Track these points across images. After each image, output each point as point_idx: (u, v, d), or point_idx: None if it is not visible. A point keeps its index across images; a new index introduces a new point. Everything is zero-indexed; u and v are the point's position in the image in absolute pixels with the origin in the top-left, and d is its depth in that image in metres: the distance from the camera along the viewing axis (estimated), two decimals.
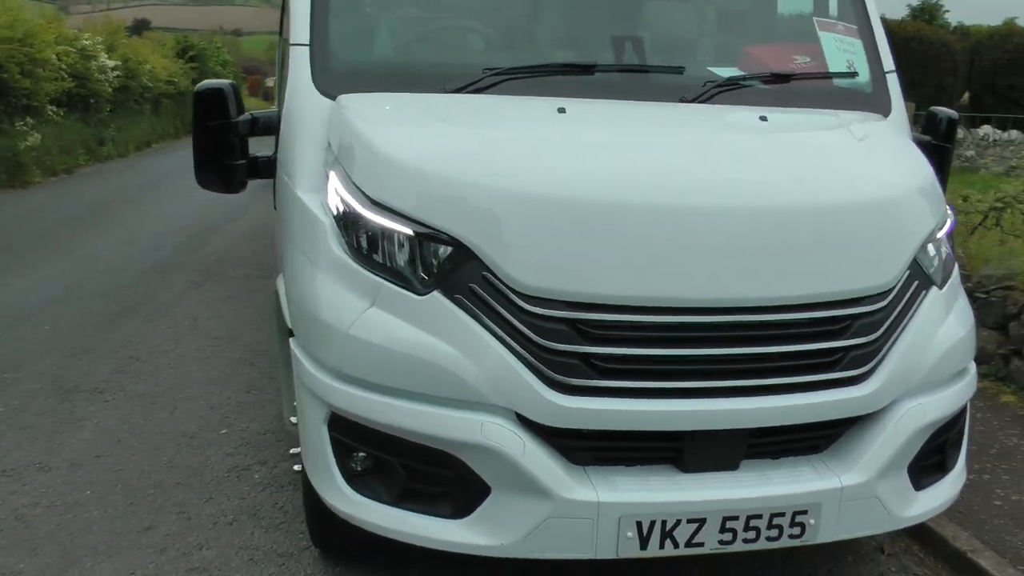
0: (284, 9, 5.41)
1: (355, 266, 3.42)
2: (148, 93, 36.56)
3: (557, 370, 3.18)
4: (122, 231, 14.63)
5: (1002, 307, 6.96)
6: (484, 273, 3.21)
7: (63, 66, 25.32)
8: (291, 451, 4.38)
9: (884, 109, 4.56)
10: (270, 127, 4.18)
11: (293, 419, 4.27)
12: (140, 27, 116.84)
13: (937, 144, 4.61)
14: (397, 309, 3.30)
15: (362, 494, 3.42)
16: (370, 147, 3.55)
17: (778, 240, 3.36)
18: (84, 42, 28.34)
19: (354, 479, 3.44)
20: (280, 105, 4.88)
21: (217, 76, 55.04)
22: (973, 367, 3.93)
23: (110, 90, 30.03)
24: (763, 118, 4.02)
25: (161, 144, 39.28)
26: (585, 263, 3.21)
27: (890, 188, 3.69)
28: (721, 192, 3.38)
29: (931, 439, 3.67)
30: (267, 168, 4.25)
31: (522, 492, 3.21)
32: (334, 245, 3.50)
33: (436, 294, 3.26)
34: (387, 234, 3.37)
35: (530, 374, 3.17)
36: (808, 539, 3.42)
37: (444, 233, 3.27)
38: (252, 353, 7.76)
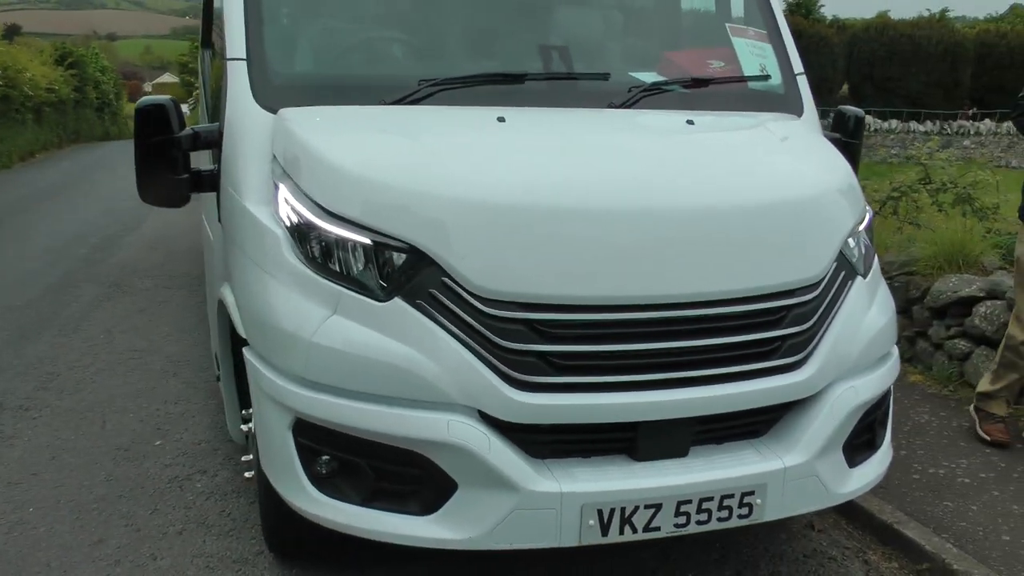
0: (209, 19, 5.44)
1: (313, 275, 3.54)
2: (29, 102, 35.50)
3: (516, 368, 3.35)
4: (20, 244, 14.30)
5: (905, 291, 7.38)
6: (443, 279, 3.37)
7: None
8: (242, 459, 4.48)
9: (797, 109, 4.84)
10: (211, 141, 4.24)
11: (244, 427, 4.37)
12: (11, 33, 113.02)
13: (846, 141, 4.89)
14: (359, 316, 3.42)
15: (329, 496, 3.54)
16: (320, 159, 3.67)
17: (714, 237, 3.60)
18: None
19: (320, 482, 3.56)
20: (210, 117, 4.94)
21: (97, 82, 53.80)
22: (895, 351, 4.23)
23: None
24: (690, 121, 4.26)
25: (45, 154, 38.24)
26: (536, 265, 3.39)
27: (815, 185, 3.97)
28: (659, 194, 3.61)
29: (862, 419, 3.94)
30: (210, 181, 4.30)
31: (488, 486, 3.36)
32: (289, 255, 3.61)
33: (397, 300, 3.40)
34: (344, 243, 3.50)
35: (491, 373, 3.34)
36: (756, 518, 3.66)
37: (401, 241, 3.41)
38: (174, 364, 7.75)
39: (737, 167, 4.03)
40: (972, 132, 38.91)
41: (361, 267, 3.47)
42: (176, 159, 4.15)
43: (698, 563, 4.56)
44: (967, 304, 6.93)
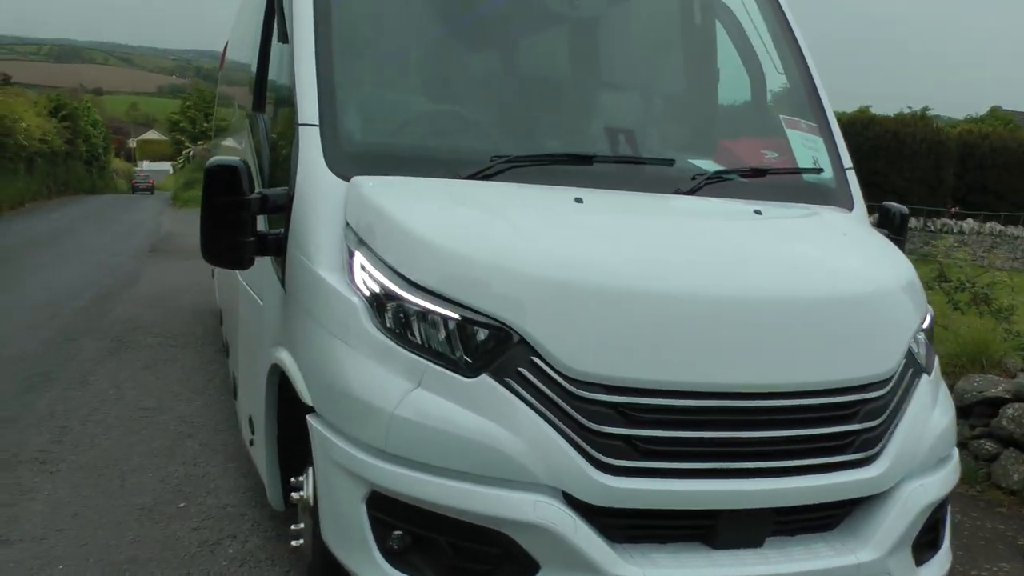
0: (263, 83, 5.46)
1: (394, 346, 3.53)
2: (23, 152, 35.59)
3: (603, 451, 3.35)
4: (15, 295, 14.23)
5: None
6: (531, 357, 3.38)
7: None
8: (291, 527, 4.41)
9: (848, 204, 4.91)
10: (279, 205, 4.23)
11: (295, 495, 4.32)
12: (1, 82, 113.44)
13: (892, 237, 4.96)
14: (445, 390, 3.41)
15: (402, 571, 3.48)
16: (403, 229, 3.69)
17: (796, 328, 3.64)
18: None
19: (393, 556, 3.51)
20: (266, 182, 4.95)
21: (88, 136, 54.01)
22: (956, 452, 4.25)
23: None
24: (757, 211, 4.31)
25: (34, 204, 38.29)
26: (624, 349, 3.41)
27: (887, 281, 4.04)
28: (744, 283, 3.65)
29: (928, 519, 3.93)
30: (275, 245, 4.30)
31: (571, 569, 3.33)
32: (368, 325, 3.61)
33: (485, 377, 3.39)
34: (428, 315, 3.50)
35: (578, 455, 3.33)
36: None
37: (490, 317, 3.42)
38: (189, 425, 7.67)
39: (812, 259, 4.09)
40: (955, 231, 39.45)
41: (447, 341, 3.47)
42: (245, 221, 4.15)
43: None
44: (993, 405, 6.96)
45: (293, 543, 4.40)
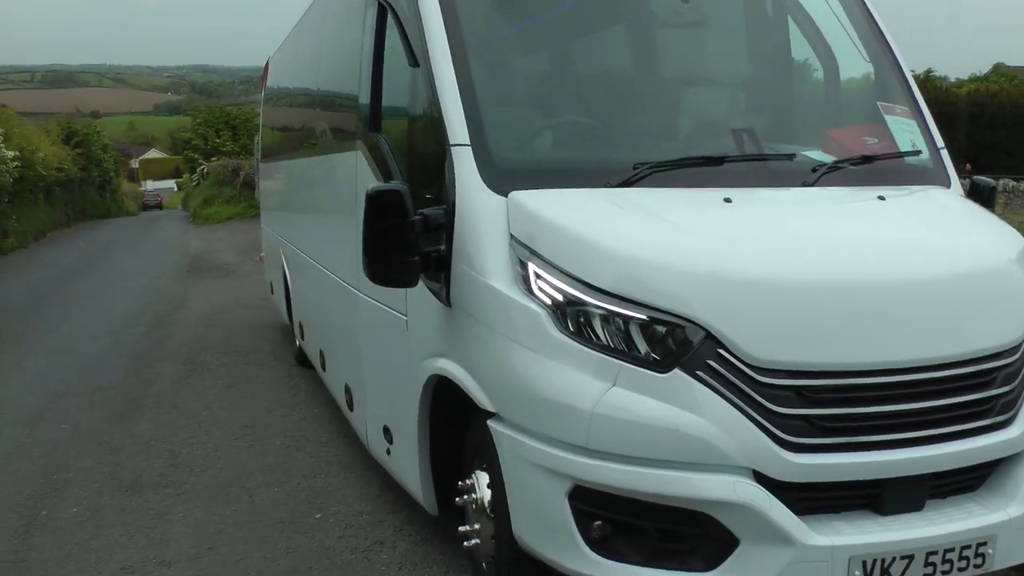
0: (377, 103, 5.65)
1: (585, 349, 3.78)
2: (42, 182, 35.93)
3: (787, 431, 3.63)
4: (74, 325, 14.54)
5: None
6: (718, 350, 3.64)
7: None
8: (461, 529, 4.66)
9: (945, 181, 5.16)
10: (440, 225, 4.45)
11: (461, 498, 4.57)
12: None
13: None
14: (640, 386, 3.67)
15: (609, 558, 3.74)
16: (578, 238, 3.94)
17: (944, 305, 3.92)
18: None
19: (597, 545, 3.76)
20: None
21: (100, 160, 54.40)
22: None
23: (11, 180, 29.46)
24: (880, 197, 4.55)
25: (55, 232, 38.66)
26: (801, 336, 3.68)
27: (1009, 253, 4.31)
28: (898, 266, 3.94)
29: None
30: (438, 263, 4.51)
31: (768, 541, 3.60)
32: (554, 331, 3.85)
33: (677, 371, 3.65)
34: (615, 318, 3.75)
35: (765, 436, 3.61)
36: (987, 567, 3.89)
37: (677, 316, 3.68)
38: (293, 439, 7.93)
39: (944, 239, 4.37)
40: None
41: (636, 340, 3.73)
42: (410, 242, 4.37)
43: None
44: None
45: (465, 544, 4.63)
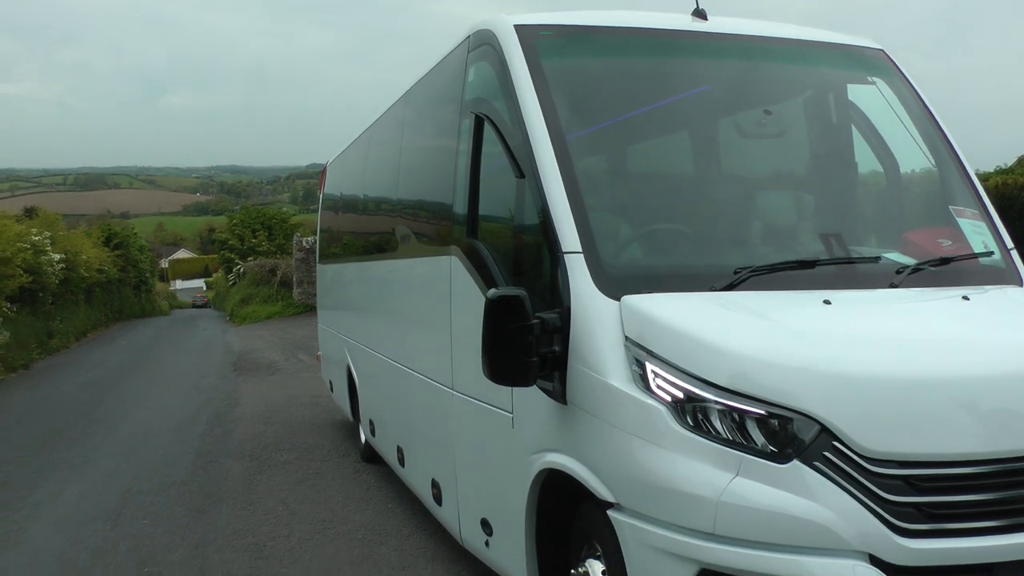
0: (475, 210, 6.01)
1: (706, 442, 4.07)
2: (83, 283, 36.66)
3: (898, 518, 3.89)
4: (138, 424, 14.83)
5: None
6: (833, 443, 3.93)
7: (18, 263, 25.48)
8: None
9: (1018, 280, 5.47)
10: (556, 328, 4.76)
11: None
12: (30, 215, 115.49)
13: None
14: (762, 476, 3.95)
15: None
16: (695, 338, 4.25)
17: None
18: (34, 237, 28.52)
19: None
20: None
21: (137, 262, 55.36)
22: None
23: (56, 282, 30.14)
24: (965, 297, 4.87)
25: (95, 333, 39.20)
26: (911, 429, 3.97)
27: None
28: (993, 362, 4.24)
29: None
30: (554, 363, 4.78)
31: None
32: (675, 426, 4.15)
33: (796, 462, 3.94)
34: (734, 413, 4.05)
35: (879, 523, 3.87)
36: None
37: (794, 411, 3.98)
38: (374, 533, 8.16)
39: None
40: None
41: (755, 433, 4.02)
42: (530, 344, 4.67)
43: None
44: None
45: None
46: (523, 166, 5.16)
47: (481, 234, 5.91)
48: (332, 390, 13.25)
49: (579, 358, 4.62)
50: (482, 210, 5.95)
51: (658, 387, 4.25)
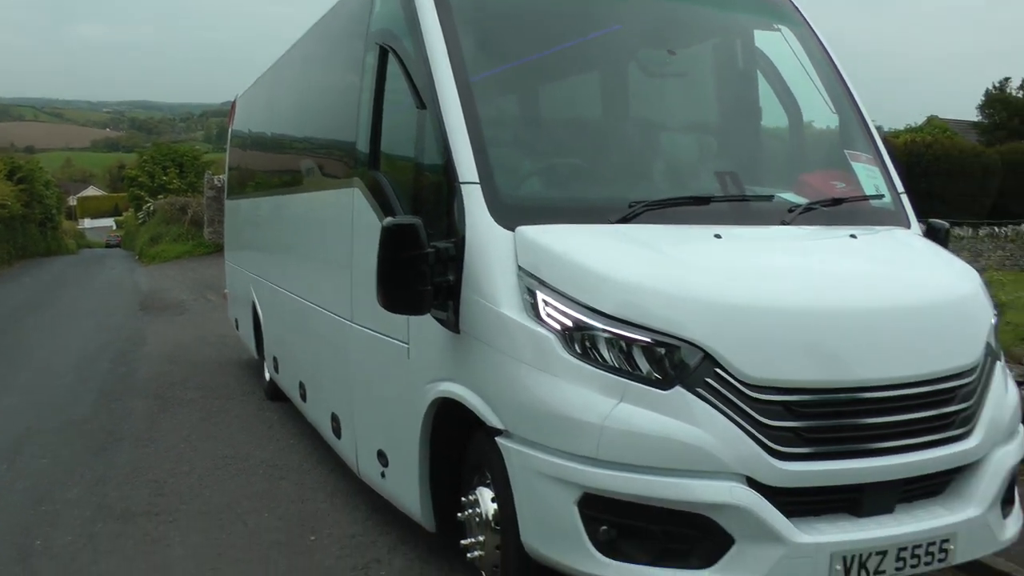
0: (376, 141, 5.99)
1: (593, 369, 4.17)
2: None
3: (776, 442, 4.06)
4: (41, 360, 14.56)
5: None
6: (715, 369, 4.06)
7: None
8: (462, 542, 4.97)
9: (906, 223, 5.65)
10: (450, 257, 4.79)
11: (463, 513, 4.89)
12: None
13: None
14: (645, 402, 4.07)
15: (616, 559, 4.10)
16: (586, 269, 4.34)
17: (914, 331, 4.43)
18: None
19: (604, 547, 4.12)
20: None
21: (42, 197, 53.88)
22: (1022, 426, 5.03)
23: None
24: (853, 236, 5.01)
25: None
26: (790, 356, 4.13)
27: (968, 285, 4.88)
28: (875, 295, 4.45)
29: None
30: (448, 292, 4.82)
31: (760, 540, 4.00)
32: (564, 353, 4.23)
33: (679, 388, 4.06)
34: (621, 341, 4.14)
35: (757, 446, 4.03)
36: (949, 562, 4.40)
37: (678, 338, 4.10)
38: (275, 468, 8.17)
39: (912, 273, 4.91)
40: None
41: (640, 361, 4.12)
42: (424, 273, 4.70)
43: None
44: None
45: (469, 556, 4.93)
46: (424, 97, 5.15)
47: (383, 166, 5.90)
48: (238, 328, 13.14)
49: (472, 287, 4.66)
50: (384, 142, 5.94)
51: (548, 316, 4.31)
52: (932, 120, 57.73)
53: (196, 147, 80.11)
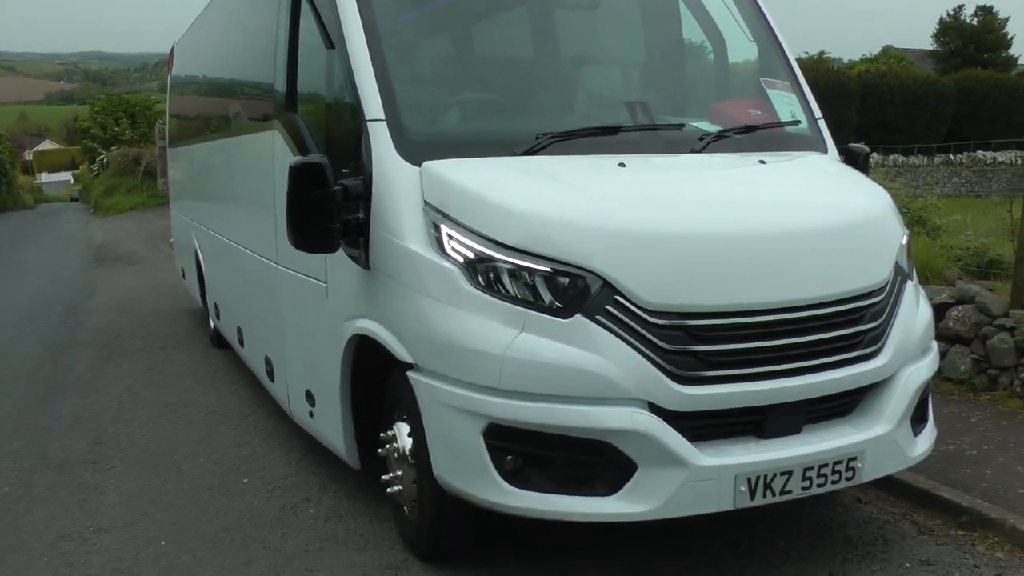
0: (293, 82, 5.96)
1: (495, 300, 4.20)
2: None
3: (676, 366, 4.11)
4: None
5: None
6: (615, 296, 4.10)
7: None
8: (384, 478, 5.02)
9: (823, 148, 5.68)
10: (358, 194, 4.80)
11: (383, 449, 4.93)
12: None
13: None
14: (546, 331, 4.11)
15: (522, 488, 4.17)
16: (487, 201, 4.35)
17: (819, 251, 4.48)
18: None
19: (511, 477, 4.18)
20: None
21: None
22: (935, 342, 5.16)
23: None
24: (762, 161, 5.03)
25: None
26: (689, 282, 4.18)
27: (877, 207, 4.92)
28: (777, 219, 4.50)
29: (919, 397, 4.82)
30: (357, 229, 4.84)
31: (663, 465, 4.07)
32: (467, 286, 4.25)
33: (579, 317, 4.10)
34: (522, 272, 4.17)
35: (658, 372, 4.08)
36: (857, 480, 4.50)
37: (577, 267, 4.13)
38: (215, 414, 8.19)
39: (818, 196, 4.94)
40: None
41: (541, 291, 4.16)
42: (332, 211, 4.71)
43: (784, 531, 5.30)
44: (940, 310, 7.93)
45: (388, 491, 4.99)
46: (333, 37, 5.12)
47: (300, 108, 5.87)
48: (184, 277, 13.08)
49: (380, 224, 4.67)
50: (300, 84, 5.93)
51: (452, 249, 4.34)
52: (888, 50, 58.00)
53: (151, 97, 78.83)
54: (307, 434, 6.55)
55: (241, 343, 8.46)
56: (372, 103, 4.79)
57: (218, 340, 10.59)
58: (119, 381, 9.63)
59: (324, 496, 6.04)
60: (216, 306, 10.05)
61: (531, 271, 4.17)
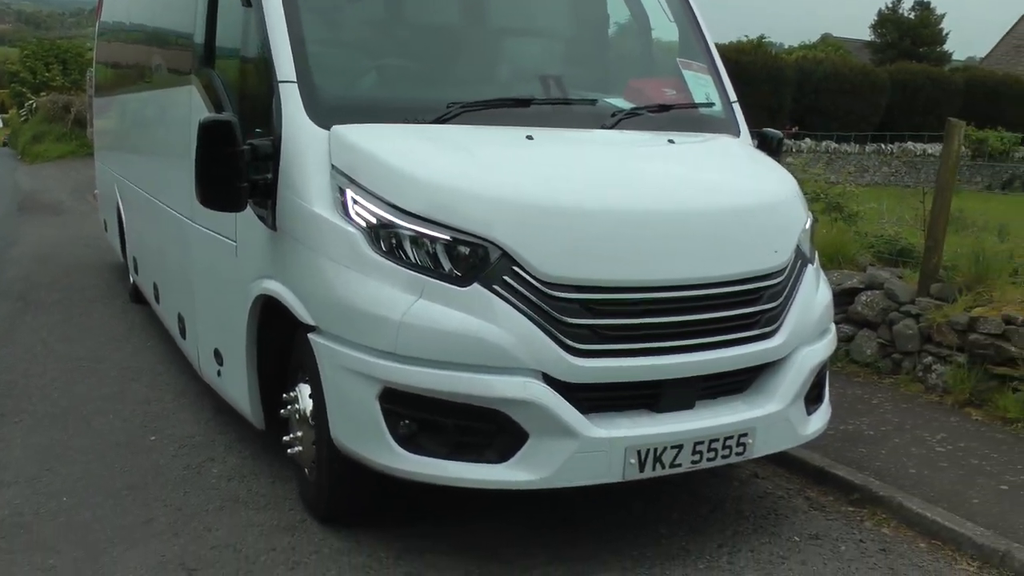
0: (212, 39, 5.91)
1: (395, 266, 4.26)
2: None
3: (572, 339, 4.21)
4: None
5: None
6: (513, 267, 4.18)
7: None
8: (285, 439, 5.07)
9: (736, 131, 5.81)
10: (267, 154, 4.80)
11: (285, 410, 4.98)
12: None
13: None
14: (443, 299, 4.18)
15: (415, 453, 4.25)
16: (392, 168, 4.41)
17: (717, 233, 4.59)
18: None
19: (405, 441, 4.27)
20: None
21: None
22: (833, 325, 5.33)
23: None
24: (671, 140, 5.13)
25: None
26: (587, 255, 4.27)
27: (781, 191, 5.06)
28: (677, 198, 4.62)
29: (815, 378, 4.98)
30: (265, 189, 4.84)
31: (554, 435, 4.17)
32: (368, 250, 4.31)
33: (476, 285, 4.18)
34: (423, 239, 4.25)
35: (553, 343, 4.17)
36: (748, 455, 4.67)
37: (477, 236, 4.21)
38: (128, 370, 8.14)
39: (722, 177, 5.07)
40: (795, 150, 41.69)
41: (440, 258, 4.23)
42: (240, 169, 4.72)
43: (682, 506, 5.44)
44: (850, 294, 8.21)
45: (289, 451, 5.04)
46: None
47: (217, 64, 5.85)
48: (107, 230, 12.88)
49: (287, 185, 4.71)
50: (218, 41, 5.89)
51: (356, 213, 4.39)
52: (826, 38, 58.72)
53: (85, 44, 76.98)
54: (217, 393, 6.55)
55: (157, 299, 8.40)
56: (284, 64, 4.80)
57: (137, 295, 10.48)
58: (34, 333, 9.50)
59: (229, 456, 6.07)
60: (135, 260, 9.93)
61: (432, 239, 4.23)
